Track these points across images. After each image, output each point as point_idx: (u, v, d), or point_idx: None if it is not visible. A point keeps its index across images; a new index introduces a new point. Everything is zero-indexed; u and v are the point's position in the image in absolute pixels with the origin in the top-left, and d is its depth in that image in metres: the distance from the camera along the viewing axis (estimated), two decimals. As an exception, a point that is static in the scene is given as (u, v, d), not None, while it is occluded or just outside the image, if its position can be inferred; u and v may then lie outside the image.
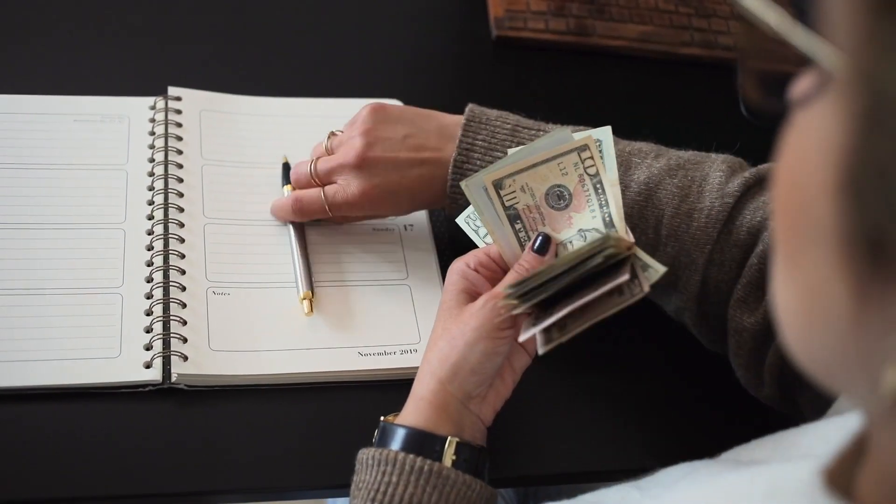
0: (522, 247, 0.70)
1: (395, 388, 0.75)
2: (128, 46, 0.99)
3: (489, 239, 0.72)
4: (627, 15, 1.15)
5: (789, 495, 0.41)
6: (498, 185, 0.69)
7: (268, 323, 0.78)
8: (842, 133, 0.30)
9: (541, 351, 0.65)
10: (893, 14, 0.28)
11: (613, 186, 0.69)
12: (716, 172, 0.76)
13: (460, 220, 0.75)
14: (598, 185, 0.69)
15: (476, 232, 0.74)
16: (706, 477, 0.52)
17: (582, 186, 0.69)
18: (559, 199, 0.69)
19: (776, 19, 0.33)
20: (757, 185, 0.75)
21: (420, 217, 0.88)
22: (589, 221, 0.69)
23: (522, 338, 0.65)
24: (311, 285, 0.80)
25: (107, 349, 0.74)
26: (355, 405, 0.76)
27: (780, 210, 0.35)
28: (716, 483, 0.50)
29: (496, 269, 0.70)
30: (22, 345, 0.73)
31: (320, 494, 0.92)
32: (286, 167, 0.88)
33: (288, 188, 0.86)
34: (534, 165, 0.69)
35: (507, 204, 0.69)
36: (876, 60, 0.29)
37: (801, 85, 0.34)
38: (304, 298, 0.79)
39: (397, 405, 0.70)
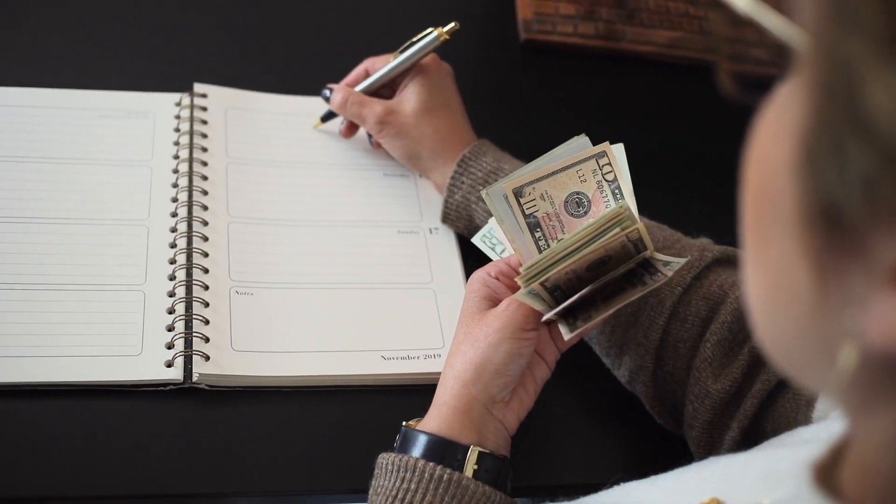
0: None
1: (417, 392, 0.75)
2: (155, 42, 0.98)
3: (506, 255, 0.74)
4: (657, 20, 1.14)
5: (784, 477, 0.41)
6: (518, 194, 0.69)
7: (290, 324, 0.77)
8: (801, 108, 0.31)
9: (566, 336, 0.66)
10: None
11: (631, 197, 0.69)
12: (703, 240, 0.77)
13: (476, 240, 0.77)
14: (617, 191, 0.70)
15: (493, 249, 0.75)
16: (705, 463, 0.52)
17: (600, 193, 0.70)
18: (578, 206, 0.70)
19: (744, 3, 0.34)
20: (738, 259, 0.74)
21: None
22: None
23: (545, 318, 0.67)
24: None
25: (129, 347, 0.73)
26: (377, 409, 0.75)
27: (747, 197, 0.36)
28: (712, 468, 0.50)
29: (513, 276, 0.71)
30: (44, 340, 0.72)
31: (339, 499, 0.92)
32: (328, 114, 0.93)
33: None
34: (553, 173, 0.69)
35: (527, 212, 0.69)
36: (833, 34, 0.29)
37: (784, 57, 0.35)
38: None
39: (420, 410, 0.69)
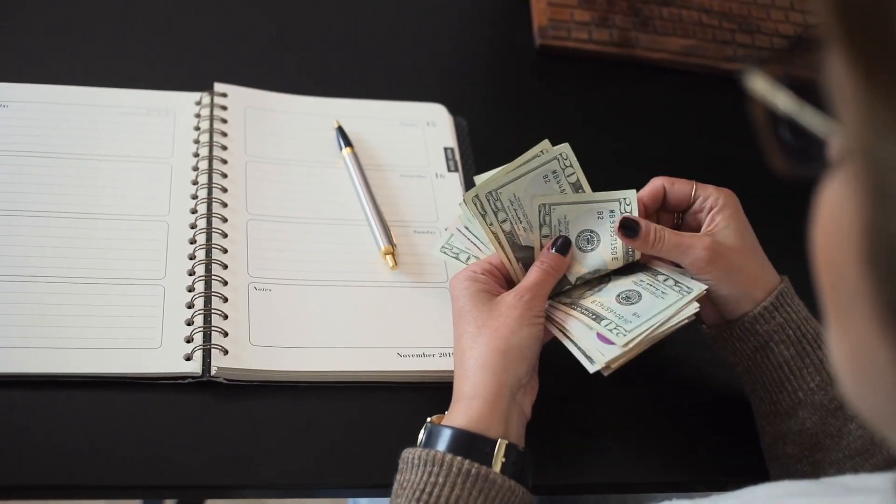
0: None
1: (432, 389, 0.76)
2: (175, 41, 1.00)
3: (471, 261, 0.77)
4: (671, 28, 1.15)
5: None
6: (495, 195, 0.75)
7: (308, 320, 0.78)
8: (856, 209, 0.32)
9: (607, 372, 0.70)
10: (889, 92, 0.30)
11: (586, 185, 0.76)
12: None
13: (436, 252, 0.80)
14: (571, 183, 0.76)
15: (457, 257, 0.79)
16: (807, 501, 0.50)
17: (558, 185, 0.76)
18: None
19: (784, 102, 0.35)
20: None
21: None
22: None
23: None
24: (390, 239, 0.84)
25: (148, 340, 0.74)
26: (392, 405, 0.76)
27: (820, 273, 0.37)
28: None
29: (499, 275, 0.75)
30: (65, 332, 0.73)
31: (353, 494, 0.92)
32: (340, 130, 0.92)
33: (346, 151, 0.90)
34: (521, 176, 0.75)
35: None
36: (876, 140, 0.30)
37: (833, 148, 0.35)
38: (386, 253, 0.83)
39: (434, 406, 0.70)
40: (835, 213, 0.34)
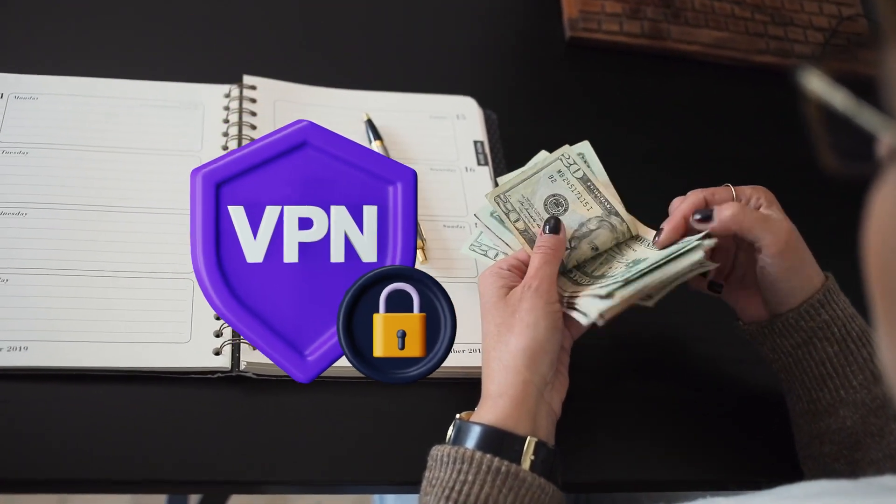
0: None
1: (462, 385, 0.75)
2: (205, 34, 0.99)
3: (499, 258, 0.77)
4: (703, 20, 1.13)
5: None
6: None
7: (337, 315, 0.78)
8: None
9: (600, 321, 0.67)
10: None
11: (607, 187, 0.77)
12: None
13: (465, 249, 0.80)
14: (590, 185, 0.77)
15: (485, 255, 0.79)
16: (845, 499, 0.50)
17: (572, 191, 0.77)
18: (557, 206, 0.76)
19: (841, 101, 0.34)
20: None
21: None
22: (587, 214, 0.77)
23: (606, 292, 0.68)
24: (419, 234, 0.83)
25: (177, 334, 0.74)
26: (421, 402, 0.76)
27: (871, 275, 0.36)
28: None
29: (524, 270, 0.73)
30: (94, 326, 0.73)
31: (380, 490, 0.92)
32: (370, 123, 0.92)
33: (376, 144, 0.90)
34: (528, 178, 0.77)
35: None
36: None
37: (884, 146, 0.35)
38: (416, 248, 0.81)
39: (465, 402, 0.70)
40: (888, 214, 0.34)
